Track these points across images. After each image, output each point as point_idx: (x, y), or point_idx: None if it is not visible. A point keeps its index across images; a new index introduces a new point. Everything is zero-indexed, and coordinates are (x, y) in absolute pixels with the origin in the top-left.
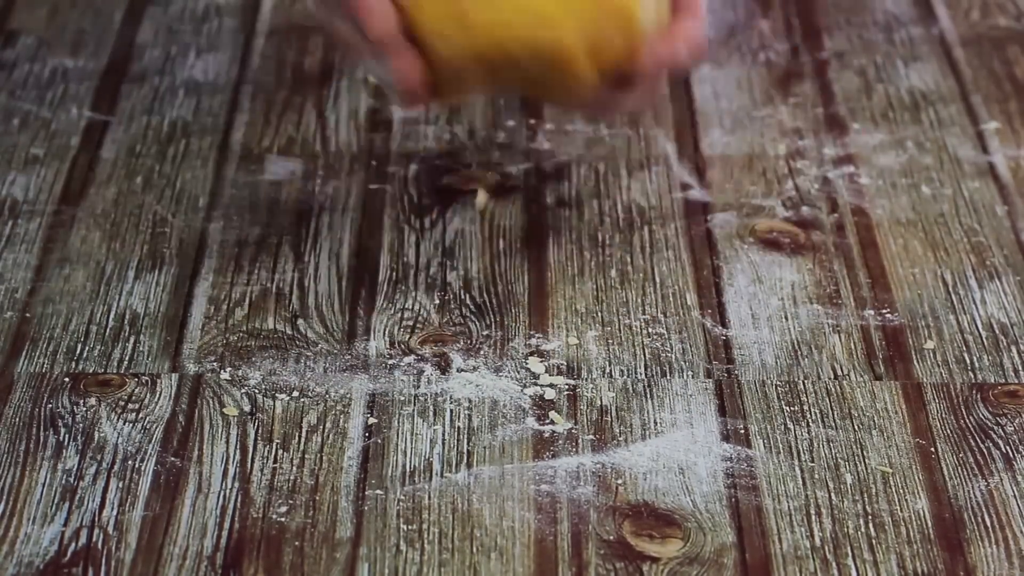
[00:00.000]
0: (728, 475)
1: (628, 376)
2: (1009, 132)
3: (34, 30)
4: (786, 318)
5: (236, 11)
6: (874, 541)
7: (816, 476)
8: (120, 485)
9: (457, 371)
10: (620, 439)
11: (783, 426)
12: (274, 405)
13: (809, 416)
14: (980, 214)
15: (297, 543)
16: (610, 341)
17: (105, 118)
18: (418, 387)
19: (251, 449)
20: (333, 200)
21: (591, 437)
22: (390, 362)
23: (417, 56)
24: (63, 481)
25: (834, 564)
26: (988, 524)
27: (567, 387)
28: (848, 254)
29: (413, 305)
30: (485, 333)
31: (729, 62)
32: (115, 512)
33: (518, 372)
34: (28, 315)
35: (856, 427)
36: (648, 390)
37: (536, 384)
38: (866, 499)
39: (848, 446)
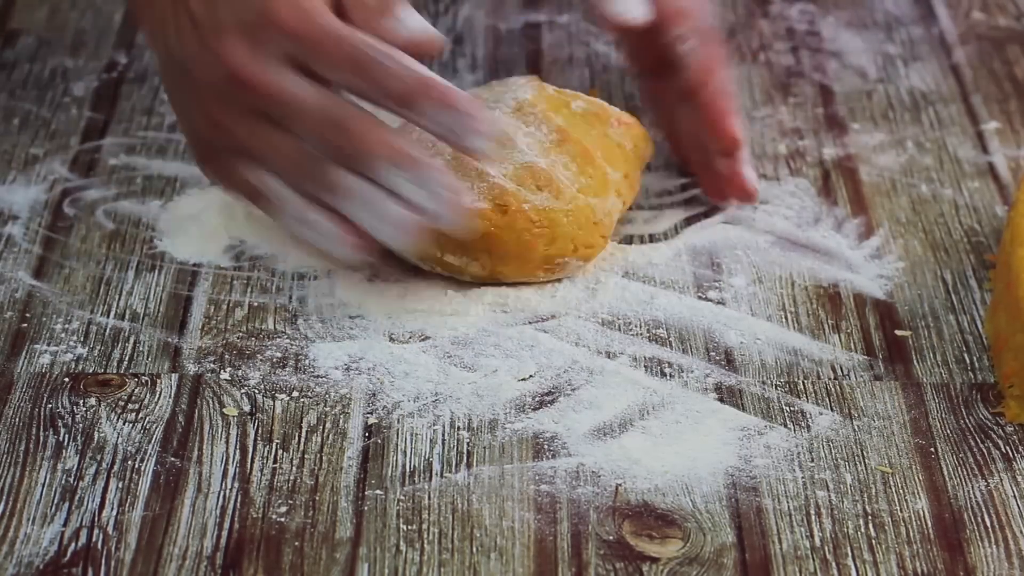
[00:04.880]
0: (728, 475)
1: (628, 376)
2: (1009, 132)
3: (34, 30)
4: (786, 318)
5: None
6: (874, 541)
7: (816, 476)
8: (120, 485)
9: (457, 371)
10: (620, 439)
11: (783, 426)
12: (274, 405)
13: (809, 416)
14: (980, 214)
15: (297, 543)
16: (610, 340)
17: (105, 118)
18: (418, 386)
19: (251, 449)
20: None
21: (591, 437)
22: (390, 361)
23: None
24: (63, 481)
25: (834, 564)
26: (988, 524)
27: (567, 387)
28: (849, 253)
29: (413, 305)
30: (485, 332)
31: (729, 62)
32: (115, 512)
33: (519, 370)
34: (28, 315)
35: (856, 427)
36: (648, 390)
37: (536, 384)
38: (866, 499)
39: (848, 446)
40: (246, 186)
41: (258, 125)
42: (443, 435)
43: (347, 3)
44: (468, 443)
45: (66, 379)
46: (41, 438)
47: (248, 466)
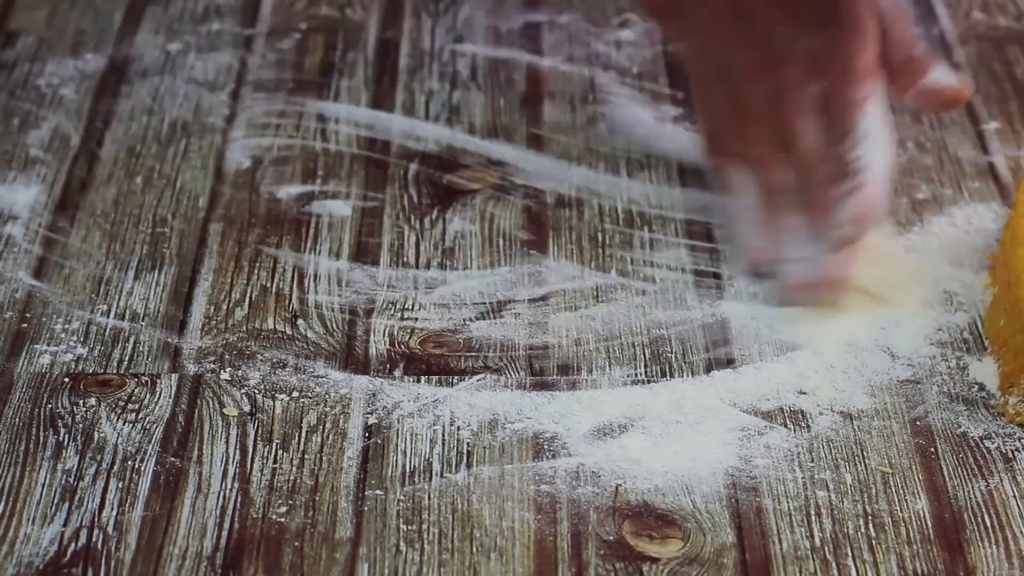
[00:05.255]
0: (728, 475)
1: (628, 376)
2: (1009, 132)
3: (34, 30)
4: (787, 319)
5: (236, 11)
6: (874, 541)
7: (816, 476)
8: (120, 485)
9: (457, 371)
10: (620, 439)
11: (783, 426)
12: (274, 405)
13: (809, 416)
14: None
15: (297, 543)
16: (610, 341)
17: (105, 118)
18: (418, 387)
19: (251, 449)
20: (333, 200)
21: (591, 437)
22: (390, 362)
23: None
24: (63, 481)
25: (834, 564)
26: (988, 524)
27: (567, 387)
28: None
29: (413, 306)
30: (485, 332)
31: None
32: (115, 512)
33: (518, 372)
34: (28, 315)
35: (856, 427)
36: (648, 390)
37: (537, 383)
38: (866, 499)
39: (848, 446)
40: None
41: (763, 138)
42: (443, 435)
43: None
44: (468, 443)
45: (66, 379)
46: (41, 438)
47: (248, 466)
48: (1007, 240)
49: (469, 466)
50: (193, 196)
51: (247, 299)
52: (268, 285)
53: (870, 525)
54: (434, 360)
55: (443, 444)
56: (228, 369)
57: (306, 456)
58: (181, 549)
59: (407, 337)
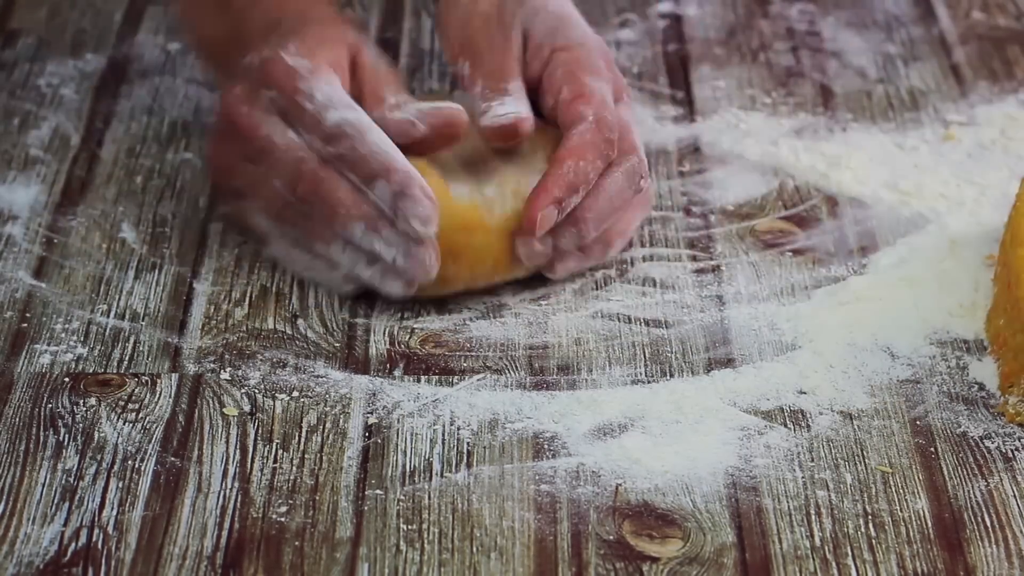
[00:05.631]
0: (728, 475)
1: (628, 376)
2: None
3: (34, 30)
4: (787, 319)
5: None
6: (874, 541)
7: (816, 476)
8: (120, 485)
9: (457, 371)
10: (620, 439)
11: (783, 426)
12: (274, 405)
13: (809, 416)
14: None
15: (297, 543)
16: (610, 341)
17: (105, 118)
18: (418, 386)
19: (251, 449)
20: None
21: (591, 437)
22: (390, 362)
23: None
24: (63, 481)
25: (834, 564)
26: (988, 524)
27: (567, 387)
28: (849, 254)
29: (413, 306)
30: (485, 332)
31: (729, 62)
32: (115, 512)
33: (518, 372)
34: (28, 315)
35: (856, 427)
36: (648, 390)
37: (537, 383)
38: (866, 499)
39: (848, 446)
40: (248, 226)
41: (249, 168)
42: (443, 435)
43: (363, 88)
44: (468, 443)
45: (66, 379)
46: (41, 438)
47: (248, 466)
48: (1007, 240)
49: (469, 466)
50: (193, 196)
51: (247, 299)
52: (268, 285)
53: (870, 525)
54: (434, 360)
55: (443, 444)
56: (228, 369)
57: (306, 456)
58: (181, 549)
59: (407, 337)
